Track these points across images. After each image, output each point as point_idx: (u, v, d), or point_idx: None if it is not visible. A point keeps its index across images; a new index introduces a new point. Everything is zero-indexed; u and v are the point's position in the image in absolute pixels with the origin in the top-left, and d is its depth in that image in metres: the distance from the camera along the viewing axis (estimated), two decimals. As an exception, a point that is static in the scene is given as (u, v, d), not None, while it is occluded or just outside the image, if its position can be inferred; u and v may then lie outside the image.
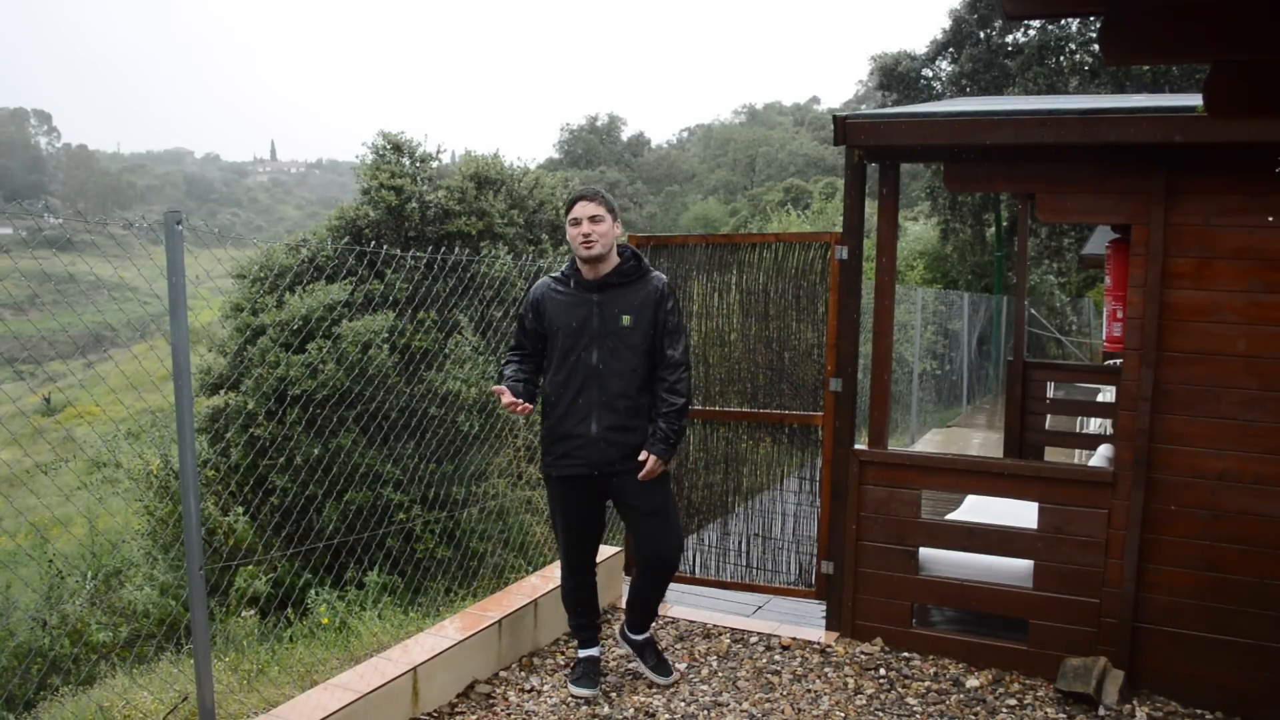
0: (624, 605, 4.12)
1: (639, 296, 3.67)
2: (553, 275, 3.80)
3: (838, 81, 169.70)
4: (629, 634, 4.00)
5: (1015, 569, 4.11)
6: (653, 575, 3.85)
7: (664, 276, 3.78)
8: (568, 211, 3.70)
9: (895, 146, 4.07)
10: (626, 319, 3.63)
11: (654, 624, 4.23)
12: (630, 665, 4.04)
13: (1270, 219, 3.58)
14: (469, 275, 8.54)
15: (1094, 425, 8.80)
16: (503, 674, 3.98)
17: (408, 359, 8.41)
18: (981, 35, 20.60)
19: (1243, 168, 3.61)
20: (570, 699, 3.77)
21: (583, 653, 3.92)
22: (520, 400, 3.58)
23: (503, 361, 3.91)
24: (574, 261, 3.74)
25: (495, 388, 3.67)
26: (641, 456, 3.63)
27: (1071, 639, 3.92)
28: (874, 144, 4.07)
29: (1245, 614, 3.67)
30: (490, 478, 8.48)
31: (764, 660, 4.17)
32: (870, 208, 6.09)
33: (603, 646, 4.14)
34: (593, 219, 3.60)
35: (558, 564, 4.77)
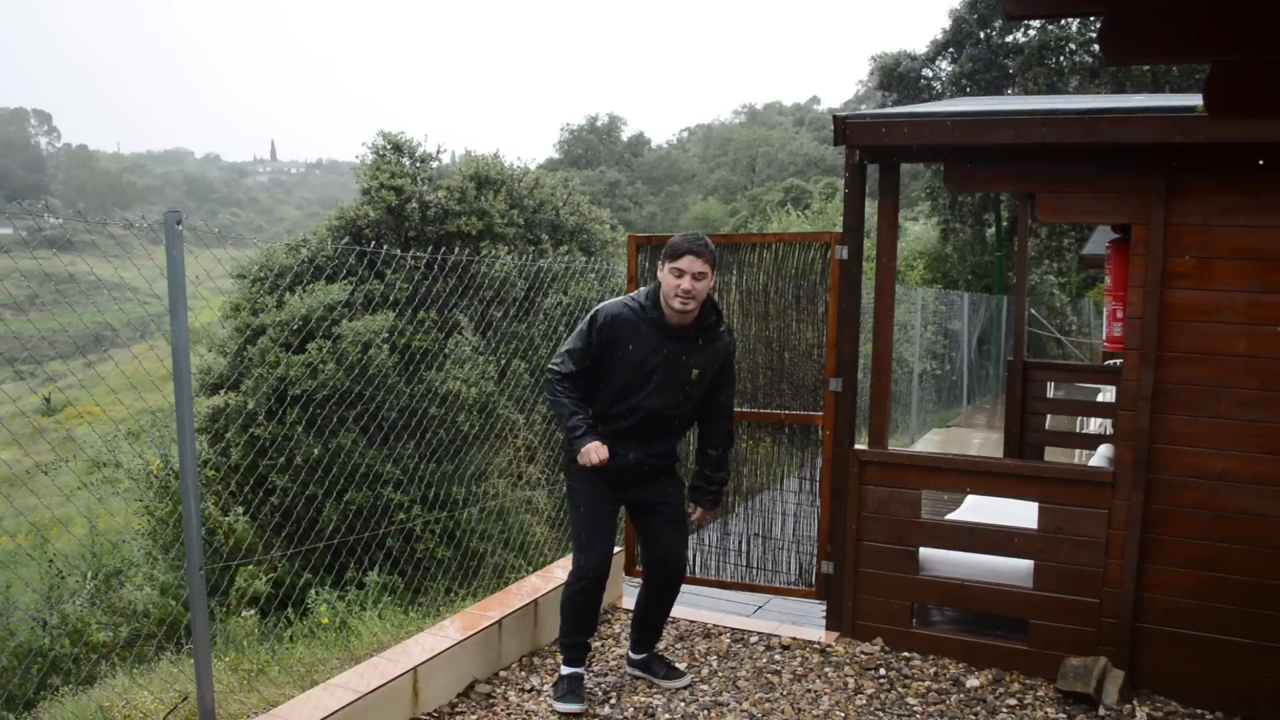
0: (631, 623, 4.03)
1: (711, 350, 3.63)
2: (628, 304, 3.58)
3: (838, 81, 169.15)
4: (635, 655, 3.98)
5: (1015, 569, 4.11)
6: (669, 587, 3.89)
7: (732, 331, 3.80)
8: (671, 257, 3.47)
9: (895, 146, 4.07)
10: (696, 372, 3.61)
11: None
12: (631, 671, 4.02)
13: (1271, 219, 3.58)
14: (469, 275, 8.54)
15: (1094, 425, 8.79)
16: (503, 674, 3.98)
17: (408, 359, 8.41)
18: (981, 35, 20.59)
19: (1242, 168, 3.61)
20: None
21: (572, 670, 3.74)
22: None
23: (556, 389, 3.56)
24: (654, 297, 3.57)
25: (591, 450, 3.47)
26: (696, 512, 3.82)
27: (1072, 639, 3.92)
28: (874, 144, 4.07)
29: (1245, 614, 3.67)
30: (490, 478, 8.48)
31: (764, 660, 4.17)
32: (870, 208, 6.08)
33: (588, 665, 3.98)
34: (697, 275, 3.45)
35: (557, 564, 4.78)
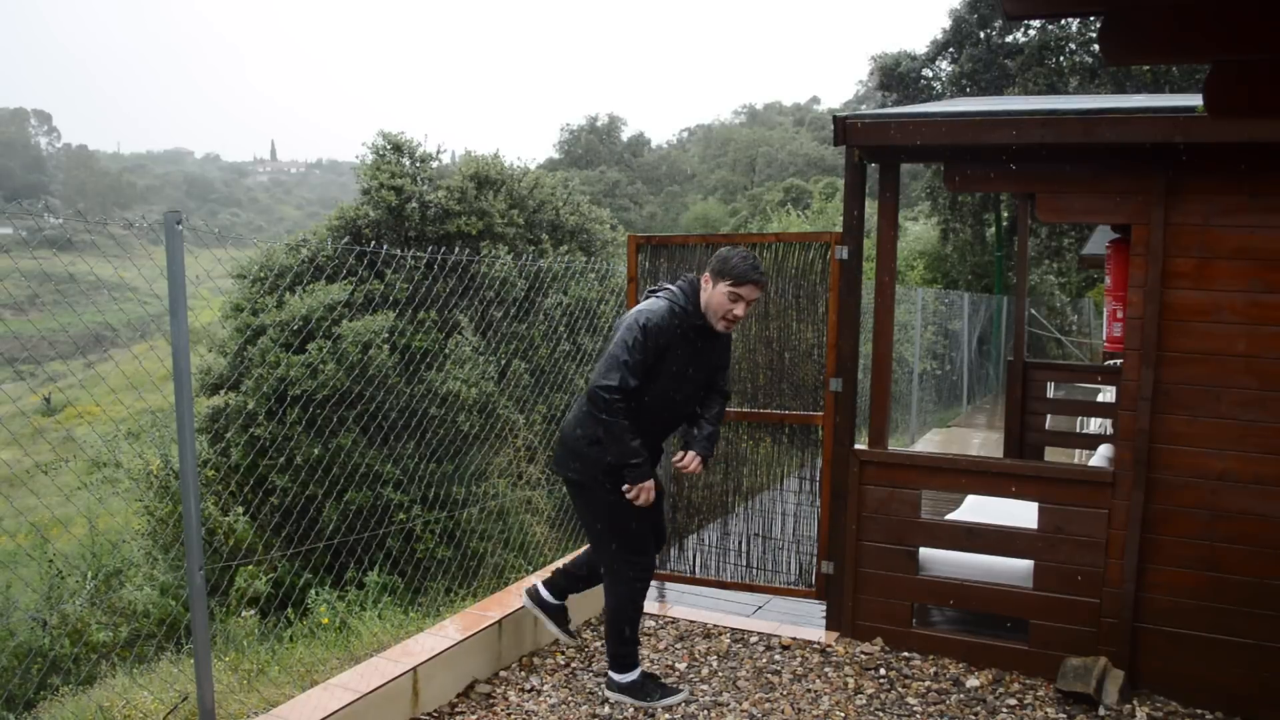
0: (563, 570, 4.03)
1: (720, 341, 3.72)
2: (674, 309, 3.51)
3: (838, 81, 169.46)
4: (554, 599, 4.00)
5: (1015, 569, 4.11)
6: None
7: None
8: (734, 281, 3.46)
9: (895, 146, 4.07)
10: (713, 358, 3.71)
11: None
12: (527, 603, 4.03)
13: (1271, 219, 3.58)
14: (469, 275, 8.55)
15: (1094, 425, 8.79)
16: (503, 674, 3.98)
17: (408, 359, 8.41)
18: (981, 35, 20.59)
19: (1242, 168, 3.61)
20: (571, 700, 3.77)
21: (643, 669, 3.82)
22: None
23: (616, 409, 3.38)
24: (695, 299, 3.55)
25: (650, 488, 3.48)
26: (689, 459, 3.65)
27: (1072, 639, 3.92)
28: (874, 144, 4.07)
29: (1245, 614, 3.67)
30: (490, 478, 8.48)
31: (764, 660, 4.17)
32: (870, 208, 6.10)
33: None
34: (749, 304, 3.53)
35: (557, 564, 4.77)
